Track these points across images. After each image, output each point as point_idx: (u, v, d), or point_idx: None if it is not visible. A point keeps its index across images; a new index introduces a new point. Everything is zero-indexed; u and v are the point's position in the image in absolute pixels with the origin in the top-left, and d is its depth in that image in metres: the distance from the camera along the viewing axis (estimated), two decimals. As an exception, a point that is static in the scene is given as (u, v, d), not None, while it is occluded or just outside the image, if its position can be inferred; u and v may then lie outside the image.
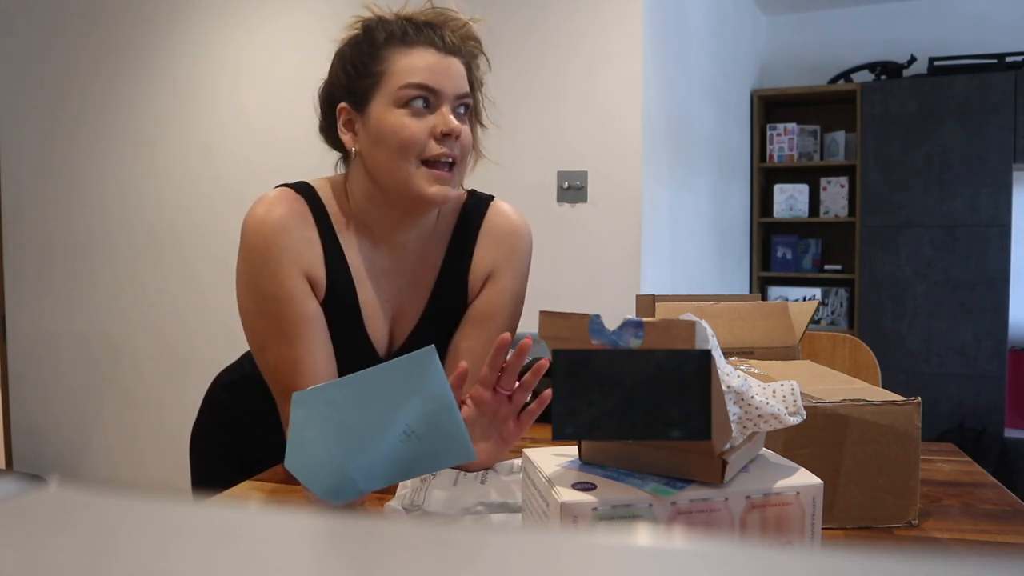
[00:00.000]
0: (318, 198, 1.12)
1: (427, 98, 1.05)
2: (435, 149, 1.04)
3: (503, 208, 1.20)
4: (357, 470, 0.80)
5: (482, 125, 1.16)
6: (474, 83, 1.12)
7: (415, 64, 1.04)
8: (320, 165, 1.24)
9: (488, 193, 1.22)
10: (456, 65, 1.07)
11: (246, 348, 1.30)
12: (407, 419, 0.81)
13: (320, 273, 1.10)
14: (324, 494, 0.80)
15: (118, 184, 3.11)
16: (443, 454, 0.86)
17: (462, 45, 1.10)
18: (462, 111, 1.08)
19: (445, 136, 1.04)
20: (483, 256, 1.17)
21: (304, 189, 1.12)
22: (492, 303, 1.16)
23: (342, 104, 1.09)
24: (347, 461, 0.80)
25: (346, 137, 1.09)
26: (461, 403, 0.94)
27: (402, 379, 0.80)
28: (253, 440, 1.25)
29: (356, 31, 1.10)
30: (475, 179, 1.19)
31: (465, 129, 1.07)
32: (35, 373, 3.27)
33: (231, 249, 1.16)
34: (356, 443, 0.80)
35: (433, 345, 0.81)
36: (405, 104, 1.04)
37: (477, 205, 1.19)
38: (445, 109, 1.05)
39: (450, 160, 1.06)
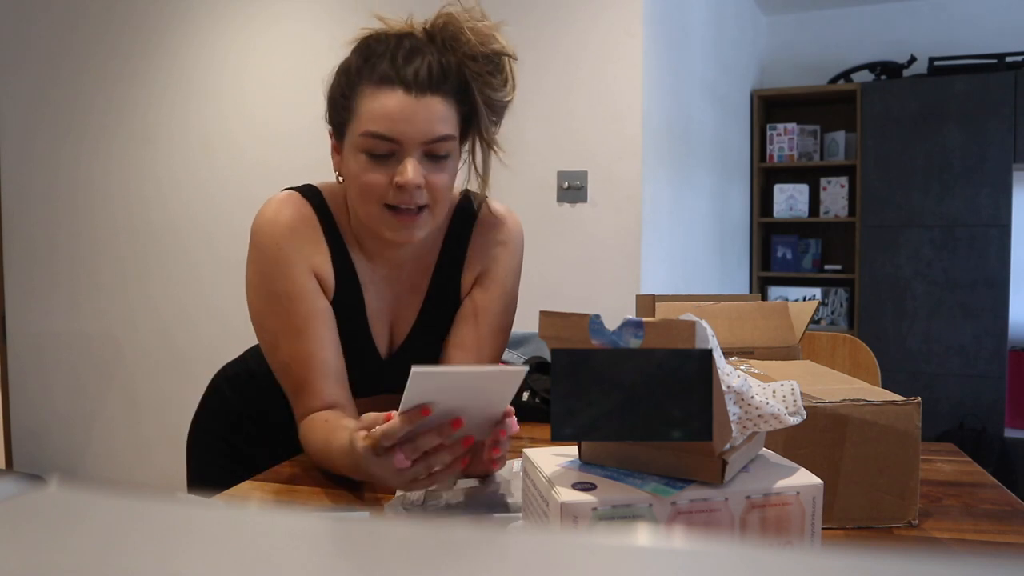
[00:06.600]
0: (324, 203, 1.12)
1: (390, 145, 1.00)
2: (395, 198, 1.01)
3: (495, 207, 1.20)
4: None
5: (493, 150, 1.08)
6: (477, 111, 1.04)
7: (378, 110, 0.98)
8: (322, 163, 1.24)
9: (482, 194, 1.21)
10: (430, 107, 0.99)
11: (249, 345, 1.30)
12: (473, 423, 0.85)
13: (328, 274, 1.10)
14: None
15: (120, 182, 3.11)
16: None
17: (463, 69, 1.01)
18: (442, 155, 1.02)
19: (402, 187, 1.00)
20: (475, 255, 1.18)
21: (310, 193, 1.12)
22: (483, 298, 1.17)
23: (329, 127, 1.08)
24: None
25: (334, 160, 1.09)
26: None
27: (489, 388, 0.83)
28: (250, 433, 1.25)
29: (354, 45, 1.05)
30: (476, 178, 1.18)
31: (436, 178, 1.01)
32: (36, 372, 3.27)
33: (233, 247, 1.16)
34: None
35: (526, 368, 0.82)
36: (367, 149, 1.00)
37: (469, 206, 1.19)
38: (409, 159, 0.99)
39: (413, 207, 1.02)
